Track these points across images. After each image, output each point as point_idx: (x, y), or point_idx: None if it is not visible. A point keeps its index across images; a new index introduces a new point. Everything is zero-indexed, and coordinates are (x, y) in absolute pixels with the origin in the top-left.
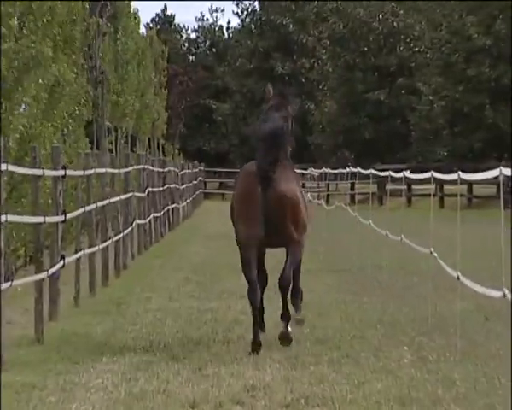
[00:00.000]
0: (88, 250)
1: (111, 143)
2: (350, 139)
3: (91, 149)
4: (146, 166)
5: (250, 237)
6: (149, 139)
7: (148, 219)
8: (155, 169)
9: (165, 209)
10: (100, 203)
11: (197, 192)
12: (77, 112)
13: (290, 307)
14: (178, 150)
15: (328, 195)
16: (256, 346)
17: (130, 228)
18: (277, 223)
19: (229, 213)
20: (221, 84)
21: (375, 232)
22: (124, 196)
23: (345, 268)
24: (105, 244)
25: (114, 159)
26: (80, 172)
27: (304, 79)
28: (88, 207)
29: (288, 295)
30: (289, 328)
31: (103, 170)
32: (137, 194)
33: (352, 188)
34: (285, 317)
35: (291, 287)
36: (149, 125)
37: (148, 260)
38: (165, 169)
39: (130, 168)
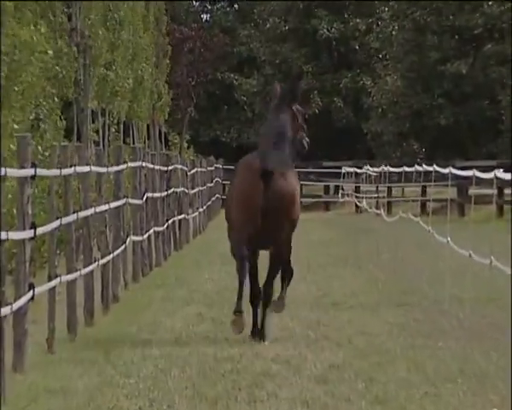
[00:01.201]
0: (66, 277)
1: (96, 131)
2: (420, 126)
3: (70, 140)
4: (144, 164)
5: (247, 226)
6: (148, 127)
7: (146, 235)
8: (156, 167)
9: (170, 222)
10: (82, 214)
11: (213, 198)
12: (52, 90)
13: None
14: (188, 142)
15: (389, 202)
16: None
17: (122, 247)
18: (274, 218)
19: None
20: (246, 53)
21: (454, 253)
22: (114, 204)
23: (413, 302)
24: (89, 269)
25: (101, 153)
26: (55, 172)
27: (358, 45)
28: (65, 219)
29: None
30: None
31: (86, 168)
32: (132, 201)
33: (424, 193)
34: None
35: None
36: (148, 107)
37: (147, 290)
38: (170, 167)
39: (123, 166)
